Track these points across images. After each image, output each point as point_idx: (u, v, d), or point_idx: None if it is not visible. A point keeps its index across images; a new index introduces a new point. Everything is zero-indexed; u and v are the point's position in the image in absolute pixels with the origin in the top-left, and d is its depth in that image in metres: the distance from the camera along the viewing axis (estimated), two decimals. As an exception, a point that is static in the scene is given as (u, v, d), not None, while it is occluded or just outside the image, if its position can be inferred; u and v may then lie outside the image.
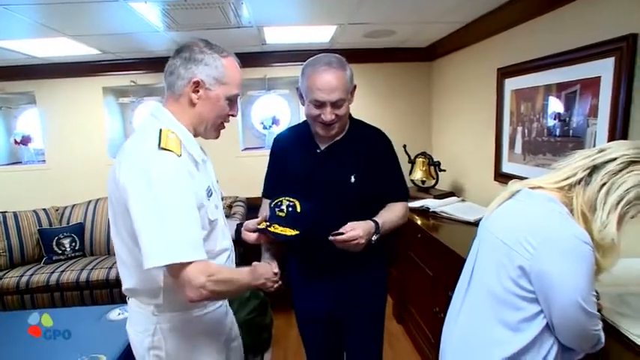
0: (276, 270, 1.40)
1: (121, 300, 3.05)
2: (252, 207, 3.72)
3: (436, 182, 3.45)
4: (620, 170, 1.03)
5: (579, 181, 1.08)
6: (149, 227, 1.10)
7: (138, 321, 1.31)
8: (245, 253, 2.62)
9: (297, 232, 1.46)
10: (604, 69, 1.81)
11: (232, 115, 1.36)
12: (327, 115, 1.50)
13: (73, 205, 3.82)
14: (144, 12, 2.35)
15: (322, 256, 1.62)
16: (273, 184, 1.77)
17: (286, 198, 1.51)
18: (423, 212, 2.87)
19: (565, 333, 1.07)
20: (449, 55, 3.58)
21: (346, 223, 1.48)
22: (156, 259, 1.09)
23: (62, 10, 2.25)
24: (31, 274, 3.23)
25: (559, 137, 2.16)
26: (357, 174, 1.58)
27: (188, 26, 2.70)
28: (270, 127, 4.09)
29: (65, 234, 3.59)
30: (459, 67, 3.44)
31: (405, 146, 3.51)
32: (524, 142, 2.48)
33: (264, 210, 1.74)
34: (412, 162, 3.51)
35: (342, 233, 1.44)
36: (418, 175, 3.45)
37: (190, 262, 1.11)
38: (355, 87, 1.59)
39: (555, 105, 2.18)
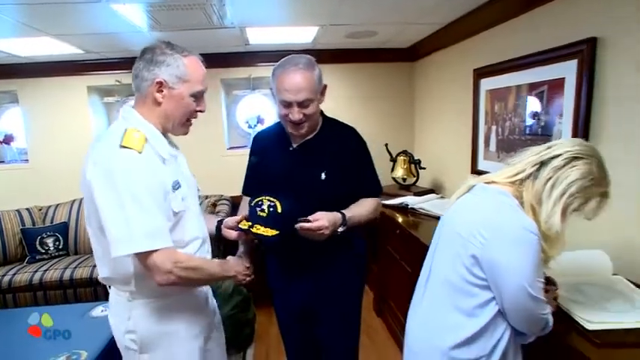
0: (248, 264, 1.48)
1: (106, 298, 3.06)
2: (237, 205, 3.73)
3: (417, 180, 3.53)
4: (564, 165, 1.12)
5: (528, 176, 1.16)
6: (113, 219, 1.19)
7: (116, 307, 1.40)
8: (225, 249, 2.67)
9: (277, 233, 1.50)
10: (568, 70, 1.90)
11: (200, 111, 1.41)
12: (295, 114, 1.56)
13: (57, 205, 3.83)
14: (126, 13, 2.38)
15: (298, 252, 1.69)
16: (252, 182, 1.84)
17: (267, 197, 1.55)
18: (403, 209, 2.95)
19: (515, 317, 1.14)
20: (430, 56, 3.67)
21: None
22: (120, 249, 1.20)
23: (44, 10, 2.27)
24: (14, 274, 3.24)
25: (529, 135, 2.25)
26: (327, 171, 1.64)
27: (171, 27, 2.73)
28: (255, 126, 4.13)
29: (49, 233, 3.60)
30: (439, 68, 3.52)
31: (386, 145, 3.58)
32: (498, 140, 2.57)
33: (244, 208, 1.80)
34: (393, 160, 3.58)
35: (310, 221, 1.50)
36: (399, 172, 3.52)
37: (156, 250, 1.21)
38: (325, 87, 1.64)
39: (526, 104, 2.26)
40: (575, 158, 1.13)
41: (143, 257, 1.22)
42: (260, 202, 1.55)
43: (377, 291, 3.35)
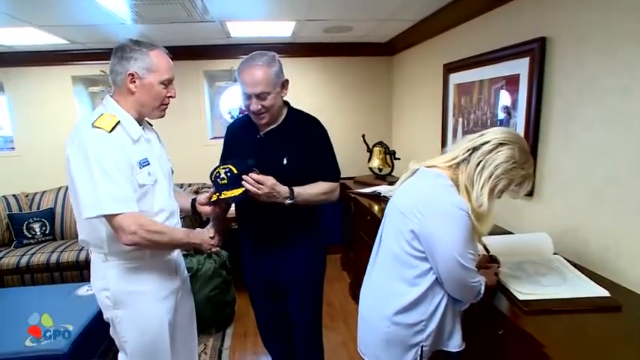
0: (212, 234, 1.69)
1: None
2: (219, 193, 3.89)
3: (392, 170, 3.69)
4: (491, 150, 1.27)
5: (463, 160, 1.31)
6: (84, 186, 1.41)
7: (94, 267, 1.61)
8: (203, 226, 2.81)
9: (242, 190, 1.70)
10: (522, 67, 2.05)
11: (171, 97, 1.62)
12: (253, 105, 1.74)
13: (44, 192, 3.92)
14: (108, 6, 2.48)
15: (265, 230, 1.90)
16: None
17: (221, 167, 1.73)
18: (376, 197, 3.11)
19: (449, 285, 1.30)
20: (407, 51, 3.81)
21: (281, 203, 1.74)
22: (89, 211, 1.41)
23: (28, 1, 2.35)
24: (1, 257, 3.34)
25: (490, 127, 2.40)
26: (289, 157, 1.81)
27: (153, 20, 2.83)
28: (237, 116, 4.25)
29: (35, 219, 3.70)
30: (414, 62, 3.67)
31: (363, 136, 3.73)
32: (464, 132, 2.72)
33: None
34: (370, 151, 3.73)
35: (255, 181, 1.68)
36: (375, 163, 3.68)
37: (122, 213, 1.41)
38: (286, 81, 1.81)
39: (488, 98, 2.42)
40: (501, 144, 1.28)
41: (110, 219, 1.42)
42: (217, 174, 1.74)
43: (353, 276, 3.51)
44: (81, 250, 3.38)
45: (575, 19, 1.76)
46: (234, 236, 2.96)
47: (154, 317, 1.61)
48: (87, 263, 3.27)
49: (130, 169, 1.47)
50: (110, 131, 1.44)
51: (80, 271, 3.35)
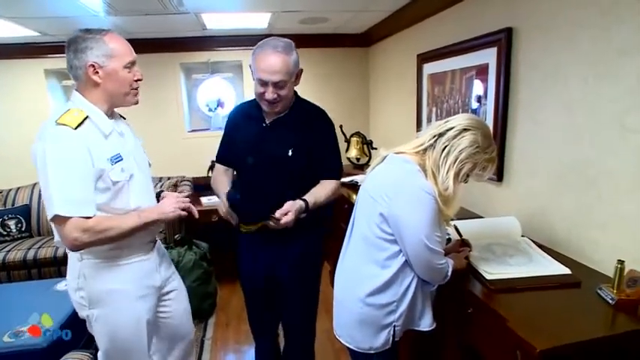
0: (179, 196, 1.62)
1: (70, 276, 3.17)
2: (198, 186, 3.89)
3: (369, 159, 3.75)
4: (456, 136, 1.33)
5: (429, 147, 1.36)
6: (43, 189, 1.37)
7: (70, 266, 1.56)
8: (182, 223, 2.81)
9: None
10: (490, 57, 2.12)
11: (138, 80, 1.55)
12: (269, 93, 1.67)
13: (18, 188, 3.85)
14: (81, -3, 2.45)
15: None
16: (225, 152, 1.97)
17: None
18: (353, 186, 3.16)
19: (417, 267, 1.36)
20: (382, 42, 3.85)
21: (283, 193, 1.70)
22: (48, 214, 1.37)
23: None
24: (-24, 255, 3.28)
25: (461, 116, 2.47)
26: (294, 149, 1.75)
27: (127, 11, 2.80)
28: (215, 109, 4.24)
29: (10, 216, 3.65)
30: (390, 53, 3.72)
31: (341, 126, 3.77)
32: (438, 120, 2.78)
33: (219, 174, 1.96)
34: (347, 141, 3.78)
35: (279, 219, 1.64)
36: (353, 153, 3.73)
37: (69, 217, 1.34)
38: (301, 70, 1.75)
39: (459, 87, 2.48)
40: (464, 130, 1.33)
41: (57, 223, 1.36)
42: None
43: (333, 264, 3.56)
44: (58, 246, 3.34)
45: (540, 8, 1.82)
46: (215, 228, 2.98)
47: (131, 316, 1.56)
48: (65, 259, 3.14)
49: (92, 169, 1.40)
50: (76, 128, 1.38)
51: (58, 267, 3.32)
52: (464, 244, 1.68)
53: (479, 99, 2.29)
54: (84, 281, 1.51)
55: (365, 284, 1.39)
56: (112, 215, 1.48)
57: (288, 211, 1.65)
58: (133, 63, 1.52)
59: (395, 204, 1.31)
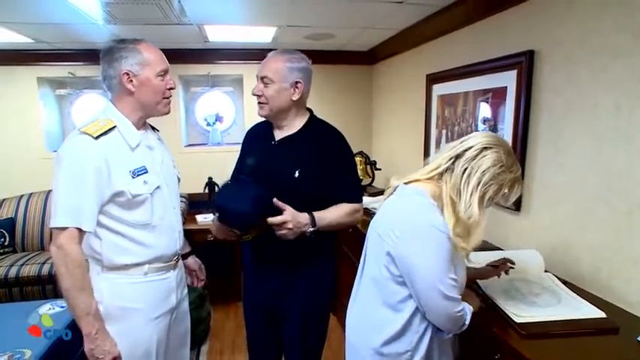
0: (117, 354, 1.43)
1: (55, 296, 2.97)
2: (193, 203, 3.75)
3: (372, 180, 3.63)
4: (476, 156, 1.18)
5: (446, 170, 1.22)
6: (52, 194, 1.37)
7: (91, 278, 1.47)
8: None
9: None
10: (509, 80, 2.02)
11: (171, 88, 1.56)
12: (256, 88, 1.68)
13: (3, 200, 3.66)
14: (78, 4, 2.33)
15: (270, 249, 1.71)
16: (236, 170, 1.92)
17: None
18: (357, 208, 3.03)
19: (431, 315, 1.21)
20: (388, 60, 3.77)
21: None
22: (50, 220, 1.37)
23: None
24: (-46, 271, 3.07)
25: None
26: (301, 170, 1.64)
27: (127, 21, 2.69)
28: (213, 123, 4.11)
29: (-7, 229, 3.45)
30: (396, 72, 3.63)
31: (344, 145, 3.66)
32: (448, 143, 2.68)
33: None
34: (350, 161, 3.66)
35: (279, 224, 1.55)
36: (356, 173, 3.61)
37: (65, 227, 1.33)
38: (299, 83, 1.67)
39: (473, 110, 2.38)
40: (485, 148, 1.18)
41: (54, 229, 1.35)
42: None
43: (336, 288, 3.41)
44: (44, 263, 3.15)
45: (564, 33, 1.73)
46: (210, 248, 2.85)
47: (143, 337, 1.53)
48: (50, 278, 3.05)
49: (104, 181, 1.38)
50: (97, 137, 1.37)
51: (42, 286, 3.11)
52: (506, 260, 1.60)
53: (494, 122, 2.19)
54: (101, 296, 1.45)
55: (379, 332, 1.25)
56: (87, 277, 1.41)
57: (284, 219, 1.55)
58: (165, 71, 1.54)
59: (403, 243, 1.17)
